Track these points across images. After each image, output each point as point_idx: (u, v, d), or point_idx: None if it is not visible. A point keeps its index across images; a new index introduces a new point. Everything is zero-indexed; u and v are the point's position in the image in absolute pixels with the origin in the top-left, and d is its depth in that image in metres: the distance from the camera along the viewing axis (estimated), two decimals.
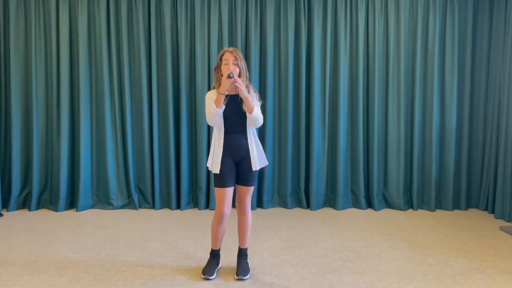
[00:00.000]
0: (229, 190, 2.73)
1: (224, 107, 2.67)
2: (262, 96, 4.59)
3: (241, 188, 2.79)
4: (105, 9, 4.43)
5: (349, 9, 4.56)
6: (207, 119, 2.72)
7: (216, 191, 2.74)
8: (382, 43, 4.60)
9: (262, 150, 2.83)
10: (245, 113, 2.69)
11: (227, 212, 2.75)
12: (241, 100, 2.68)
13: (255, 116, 2.66)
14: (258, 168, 2.77)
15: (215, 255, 2.89)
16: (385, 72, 4.61)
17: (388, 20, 4.56)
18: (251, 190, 2.81)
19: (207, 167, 2.84)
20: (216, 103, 2.64)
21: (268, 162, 4.59)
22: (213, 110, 2.64)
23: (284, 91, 4.59)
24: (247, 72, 2.77)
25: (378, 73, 4.58)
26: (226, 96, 2.69)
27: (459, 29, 4.57)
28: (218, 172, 2.70)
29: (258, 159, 2.78)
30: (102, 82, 4.48)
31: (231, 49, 2.72)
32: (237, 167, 2.77)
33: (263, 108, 4.58)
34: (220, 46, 4.48)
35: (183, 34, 4.47)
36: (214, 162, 2.73)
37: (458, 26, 4.55)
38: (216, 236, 2.83)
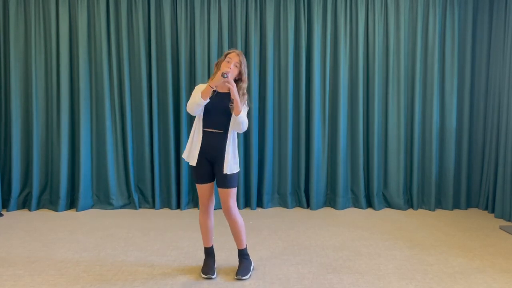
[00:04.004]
0: (207, 186, 2.78)
1: (208, 100, 2.64)
2: (262, 96, 4.61)
3: (220, 190, 2.74)
4: (105, 9, 4.43)
5: (349, 9, 4.56)
6: (187, 105, 2.67)
7: (196, 185, 2.81)
8: (382, 43, 4.60)
9: (237, 156, 2.74)
10: (228, 113, 2.65)
11: (210, 204, 2.83)
12: (228, 100, 2.66)
13: (241, 119, 2.61)
14: (228, 173, 2.67)
15: (209, 253, 2.91)
16: (385, 72, 4.61)
17: (388, 20, 4.56)
18: (231, 192, 2.71)
19: (183, 158, 2.82)
20: (203, 93, 2.60)
21: (268, 161, 4.69)
22: (197, 99, 2.61)
23: (284, 91, 4.58)
24: (247, 81, 2.74)
25: (378, 73, 4.58)
26: (214, 91, 2.65)
27: (459, 29, 4.58)
28: (194, 164, 2.71)
29: (231, 163, 2.68)
30: (102, 82, 4.48)
31: (239, 51, 2.73)
32: (213, 167, 2.75)
33: (263, 109, 4.60)
34: (220, 46, 4.49)
35: (183, 34, 4.47)
36: (191, 155, 2.72)
37: (458, 26, 4.55)
38: (205, 231, 2.86)
